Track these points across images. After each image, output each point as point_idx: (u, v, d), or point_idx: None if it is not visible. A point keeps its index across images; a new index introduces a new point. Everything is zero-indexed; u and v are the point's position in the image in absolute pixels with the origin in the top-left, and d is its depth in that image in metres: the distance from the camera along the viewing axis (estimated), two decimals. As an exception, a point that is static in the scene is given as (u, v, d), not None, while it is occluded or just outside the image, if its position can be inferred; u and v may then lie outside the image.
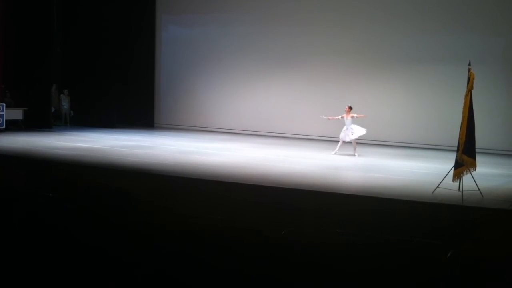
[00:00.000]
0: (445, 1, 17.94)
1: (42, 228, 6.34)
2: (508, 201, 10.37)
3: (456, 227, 8.93)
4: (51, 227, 6.33)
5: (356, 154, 15.50)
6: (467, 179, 10.78)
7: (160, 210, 7.66)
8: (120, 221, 6.34)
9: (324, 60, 19.31)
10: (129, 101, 21.84)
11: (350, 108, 15.51)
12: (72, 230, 6.19)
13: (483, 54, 16.70)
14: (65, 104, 21.55)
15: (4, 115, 18.93)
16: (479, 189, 10.68)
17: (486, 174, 12.53)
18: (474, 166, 10.90)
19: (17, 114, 19.67)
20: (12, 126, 19.34)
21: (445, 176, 10.87)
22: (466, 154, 10.77)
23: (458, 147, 10.89)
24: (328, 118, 15.76)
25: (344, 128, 15.49)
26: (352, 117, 15.43)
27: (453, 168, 10.88)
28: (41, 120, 19.91)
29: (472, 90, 10.84)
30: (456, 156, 10.88)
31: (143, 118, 22.04)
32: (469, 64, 10.92)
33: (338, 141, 15.70)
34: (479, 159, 11.12)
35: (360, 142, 18.35)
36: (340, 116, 15.52)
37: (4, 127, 18.83)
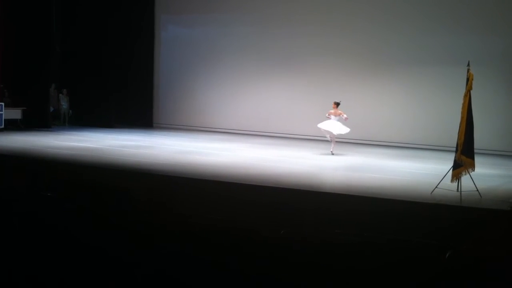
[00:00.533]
0: (444, 2, 17.96)
1: (41, 228, 6.35)
2: (506, 202, 10.38)
3: (454, 228, 8.94)
4: (50, 227, 6.33)
5: (332, 152, 15.50)
6: (465, 179, 10.79)
7: (159, 210, 7.66)
8: (120, 221, 6.35)
9: (323, 61, 19.32)
10: (128, 101, 21.84)
11: (337, 104, 15.44)
12: (71, 230, 6.19)
13: (482, 55, 16.71)
14: (64, 103, 21.54)
15: (3, 115, 18.93)
16: (477, 190, 10.69)
17: (485, 175, 12.54)
18: (472, 166, 10.92)
19: (16, 113, 19.67)
20: (11, 126, 19.32)
21: (444, 177, 10.88)
22: (464, 155, 10.78)
23: (456, 147, 10.91)
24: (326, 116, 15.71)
25: (329, 121, 15.41)
26: (341, 114, 15.37)
27: (451, 169, 10.90)
28: (40, 119, 19.90)
29: (471, 91, 10.85)
30: (455, 157, 10.89)
31: (142, 118, 22.04)
32: (468, 65, 10.93)
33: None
34: (477, 159, 11.13)
35: (360, 142, 18.41)
36: (327, 114, 15.48)
37: (3, 126, 18.82)
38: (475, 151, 11.07)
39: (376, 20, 18.62)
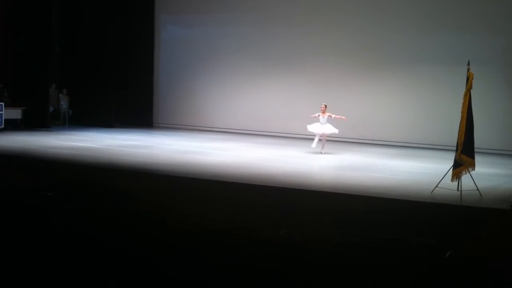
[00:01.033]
0: (444, 1, 17.95)
1: (41, 227, 6.34)
2: (506, 201, 10.38)
3: (454, 227, 8.95)
4: (50, 226, 6.33)
5: (322, 152, 15.56)
6: (466, 179, 10.79)
7: (159, 209, 7.66)
8: (119, 221, 6.35)
9: (323, 61, 19.31)
10: (128, 101, 21.83)
11: (325, 106, 15.55)
12: (71, 229, 6.19)
13: (482, 54, 16.70)
14: (64, 103, 21.53)
15: (3, 115, 18.93)
16: (478, 189, 10.68)
17: (485, 174, 12.53)
18: (473, 166, 10.91)
19: (16, 113, 19.66)
20: (11, 126, 19.32)
21: (444, 176, 10.87)
22: (465, 154, 10.78)
23: (457, 147, 10.90)
24: (310, 116, 15.75)
25: (318, 124, 15.50)
26: (330, 116, 15.45)
27: (452, 168, 10.89)
28: (40, 119, 19.88)
29: (471, 90, 10.85)
30: (455, 156, 10.89)
31: (142, 117, 22.03)
32: (468, 64, 10.93)
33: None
34: (478, 159, 11.12)
35: (360, 142, 18.41)
36: (316, 114, 15.54)
37: (3, 126, 18.81)
38: (475, 150, 11.06)
39: (376, 20, 18.61)
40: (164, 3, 22.14)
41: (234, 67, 20.80)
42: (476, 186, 10.69)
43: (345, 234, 6.14)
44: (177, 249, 5.67)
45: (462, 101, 10.98)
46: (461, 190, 10.59)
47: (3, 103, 18.98)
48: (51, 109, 20.94)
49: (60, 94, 21.48)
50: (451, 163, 10.97)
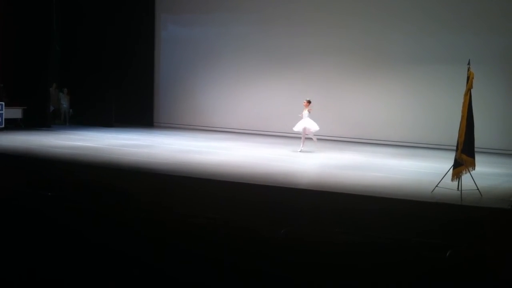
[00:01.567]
0: (445, 0, 17.93)
1: (40, 227, 6.34)
2: (507, 200, 10.38)
3: (455, 226, 8.94)
4: (50, 226, 6.33)
5: (300, 150, 15.60)
6: (466, 178, 10.79)
7: (159, 209, 7.66)
8: (119, 220, 6.35)
9: (323, 60, 19.30)
10: (128, 100, 21.82)
11: (309, 102, 15.62)
12: (71, 229, 6.19)
13: (483, 54, 16.69)
14: (64, 103, 21.54)
15: (3, 114, 18.92)
16: (478, 189, 10.68)
17: (485, 174, 12.53)
18: (473, 165, 10.91)
19: (16, 113, 19.66)
20: (11, 125, 19.32)
21: (444, 176, 10.87)
22: (465, 153, 10.77)
23: (457, 146, 10.90)
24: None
25: (302, 121, 15.61)
26: (310, 110, 15.56)
27: (452, 168, 10.89)
28: (40, 119, 19.88)
29: (472, 90, 10.84)
30: (455, 155, 10.89)
31: (142, 117, 22.02)
32: (469, 64, 10.92)
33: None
34: (478, 158, 11.12)
35: (360, 141, 18.40)
36: (300, 114, 15.69)
37: (3, 126, 18.81)
38: (476, 149, 11.06)
39: (376, 19, 18.60)
40: (165, 2, 22.13)
41: (235, 67, 20.80)
42: (476, 186, 10.69)
43: (345, 233, 6.14)
44: (176, 248, 5.67)
45: (462, 100, 10.98)
46: (461, 190, 10.59)
47: (3, 103, 18.97)
48: (52, 108, 20.93)
49: (61, 94, 21.49)
50: (451, 162, 10.97)
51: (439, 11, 17.90)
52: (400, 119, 18.43)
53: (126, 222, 6.24)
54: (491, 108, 16.78)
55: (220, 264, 5.43)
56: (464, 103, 10.90)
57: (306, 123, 15.57)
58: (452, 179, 10.78)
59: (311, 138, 15.97)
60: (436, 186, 10.76)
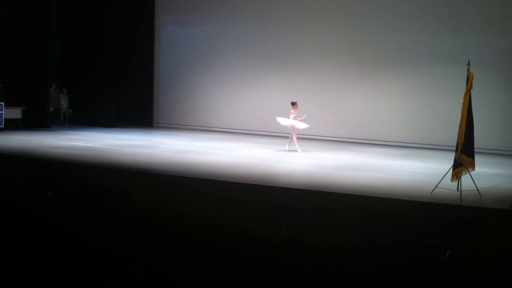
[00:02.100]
0: (444, 0, 17.94)
1: (40, 227, 6.34)
2: (506, 201, 10.38)
3: (454, 227, 8.94)
4: (49, 226, 6.33)
5: (287, 149, 15.70)
6: (466, 179, 10.79)
7: (159, 209, 7.66)
8: (119, 220, 6.35)
9: (323, 60, 19.30)
10: (128, 100, 21.82)
11: (294, 104, 15.75)
12: (71, 229, 6.19)
13: (483, 54, 16.69)
14: (64, 103, 21.53)
15: (3, 114, 18.92)
16: (477, 189, 10.68)
17: (485, 174, 12.53)
18: (473, 166, 10.91)
19: (16, 113, 19.65)
20: (11, 125, 19.31)
21: (444, 176, 10.87)
22: (465, 154, 10.77)
23: (457, 146, 10.90)
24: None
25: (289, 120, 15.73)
26: (295, 109, 15.70)
27: (451, 168, 10.89)
28: (40, 119, 19.87)
29: (471, 90, 10.84)
30: (455, 156, 10.89)
31: (142, 117, 22.02)
32: (468, 64, 10.92)
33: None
34: (477, 159, 11.12)
35: (360, 141, 18.39)
36: (300, 117, 15.72)
37: (3, 126, 18.80)
38: (475, 150, 11.06)
39: (376, 20, 18.59)
40: (164, 2, 22.13)
41: (234, 67, 20.80)
42: (476, 186, 10.69)
43: (344, 234, 6.14)
44: (176, 249, 5.67)
45: (462, 101, 10.98)
46: (461, 190, 10.59)
47: (3, 103, 18.97)
48: (51, 108, 20.93)
49: (60, 94, 21.48)
50: (451, 163, 10.97)
51: (438, 12, 17.89)
52: (400, 120, 18.43)
53: (126, 222, 6.24)
54: (491, 109, 16.79)
55: (220, 264, 5.43)
56: (464, 103, 10.90)
57: (293, 123, 15.61)
58: (452, 180, 10.78)
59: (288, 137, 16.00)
60: (436, 186, 10.76)
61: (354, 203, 10.10)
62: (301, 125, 15.57)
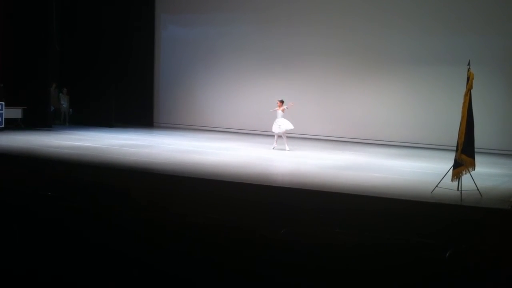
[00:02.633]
0: (445, 0, 17.93)
1: (40, 227, 6.34)
2: (507, 201, 10.38)
3: (455, 227, 8.94)
4: (50, 226, 6.32)
5: (287, 149, 15.80)
6: (466, 178, 10.78)
7: (158, 209, 7.65)
8: (119, 220, 6.34)
9: (322, 60, 19.30)
10: (128, 100, 21.83)
11: (282, 102, 15.93)
12: (71, 229, 6.19)
13: (483, 54, 16.69)
14: (64, 103, 21.54)
15: (3, 114, 18.92)
16: (478, 189, 10.68)
17: (485, 174, 12.53)
18: (473, 165, 10.90)
19: (16, 113, 19.66)
20: (11, 125, 19.31)
21: (444, 176, 10.87)
22: (465, 154, 10.77)
23: (457, 146, 10.90)
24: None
25: (275, 120, 15.92)
26: (283, 110, 15.85)
27: (452, 168, 10.89)
28: (40, 119, 19.88)
29: (472, 90, 10.84)
30: (455, 156, 10.89)
31: (142, 117, 22.03)
32: (469, 64, 10.92)
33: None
34: (478, 158, 11.12)
35: (360, 141, 18.40)
36: (272, 110, 15.99)
37: (3, 126, 18.81)
38: (476, 150, 11.06)
39: (376, 20, 18.59)
40: (165, 2, 22.14)
41: (234, 67, 20.80)
42: (476, 186, 10.69)
43: (344, 233, 6.14)
44: (176, 249, 5.67)
45: (462, 101, 10.98)
46: (461, 190, 10.59)
47: (3, 103, 18.97)
48: (52, 108, 20.94)
49: (60, 94, 21.49)
50: (451, 163, 10.97)
51: (439, 12, 17.89)
52: (400, 120, 18.43)
53: (126, 222, 6.24)
54: (491, 109, 16.78)
55: (220, 264, 5.43)
56: (464, 103, 10.90)
57: (281, 123, 15.71)
58: (452, 180, 10.78)
59: (281, 137, 16.13)
60: (436, 186, 10.76)
61: (354, 203, 10.09)
62: (290, 126, 15.75)
